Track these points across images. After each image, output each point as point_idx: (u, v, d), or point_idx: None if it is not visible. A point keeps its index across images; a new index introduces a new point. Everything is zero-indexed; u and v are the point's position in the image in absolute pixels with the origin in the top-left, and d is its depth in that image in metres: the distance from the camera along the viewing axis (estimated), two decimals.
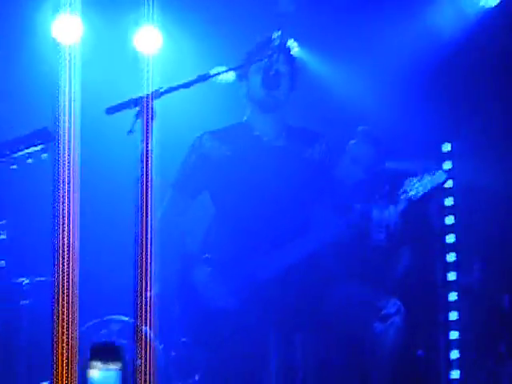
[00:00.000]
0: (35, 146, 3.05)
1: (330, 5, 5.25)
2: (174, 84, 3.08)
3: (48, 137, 3.03)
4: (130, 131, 2.88)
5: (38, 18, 5.18)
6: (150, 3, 4.77)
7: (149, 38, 5.34)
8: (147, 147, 2.76)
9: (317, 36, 5.40)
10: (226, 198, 3.70)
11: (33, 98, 5.09)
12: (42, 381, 4.62)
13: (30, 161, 3.06)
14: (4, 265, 4.89)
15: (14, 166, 3.07)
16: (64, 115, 4.82)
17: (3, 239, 4.87)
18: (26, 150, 3.04)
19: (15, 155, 3.04)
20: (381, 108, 5.17)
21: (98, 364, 1.47)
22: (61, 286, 4.54)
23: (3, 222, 4.90)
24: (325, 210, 3.83)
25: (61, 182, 4.69)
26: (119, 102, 3.45)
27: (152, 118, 2.85)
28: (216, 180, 3.70)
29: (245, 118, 3.76)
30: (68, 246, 4.57)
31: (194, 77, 3.24)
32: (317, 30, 5.39)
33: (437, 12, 5.25)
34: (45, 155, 3.09)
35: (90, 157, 4.98)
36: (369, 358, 3.59)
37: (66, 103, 4.79)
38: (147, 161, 2.76)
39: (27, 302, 4.90)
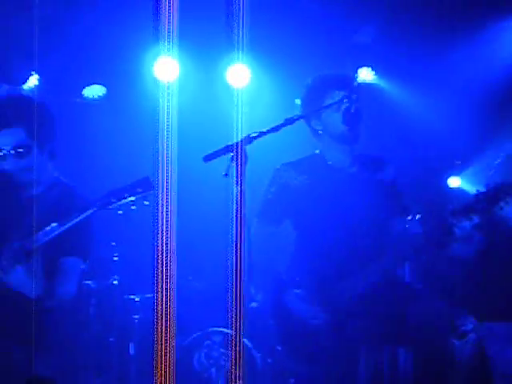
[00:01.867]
0: (137, 194, 3.21)
1: (404, 34, 5.44)
2: (264, 129, 3.26)
3: (149, 185, 3.19)
4: (226, 174, 3.04)
5: (143, 60, 5.58)
6: (240, 45, 5.22)
7: (239, 75, 5.83)
8: (241, 188, 2.96)
9: (392, 64, 5.69)
10: (307, 223, 3.84)
11: (139, 136, 5.27)
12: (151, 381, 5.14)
13: (133, 207, 3.24)
14: (117, 283, 5.34)
15: (120, 212, 3.26)
16: (162, 153, 5.20)
17: (116, 260, 5.38)
18: (130, 198, 3.21)
19: (120, 202, 3.23)
20: (451, 129, 5.36)
21: None
22: (160, 303, 5.07)
23: (114, 243, 5.38)
24: (402, 229, 3.80)
25: (160, 219, 5.04)
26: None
27: (245, 162, 3.02)
28: (296, 208, 3.84)
29: (317, 151, 3.95)
30: (167, 270, 5.03)
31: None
32: (392, 58, 5.61)
33: (502, 43, 5.41)
34: (146, 202, 3.24)
35: (187, 194, 5.46)
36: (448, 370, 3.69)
37: (165, 140, 5.20)
38: (241, 200, 2.95)
39: (138, 316, 5.34)
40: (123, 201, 3.19)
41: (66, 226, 3.12)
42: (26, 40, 5.20)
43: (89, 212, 3.11)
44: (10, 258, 3.13)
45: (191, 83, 5.75)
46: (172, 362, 4.75)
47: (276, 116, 3.38)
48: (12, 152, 3.26)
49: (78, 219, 3.11)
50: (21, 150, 3.28)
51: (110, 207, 3.16)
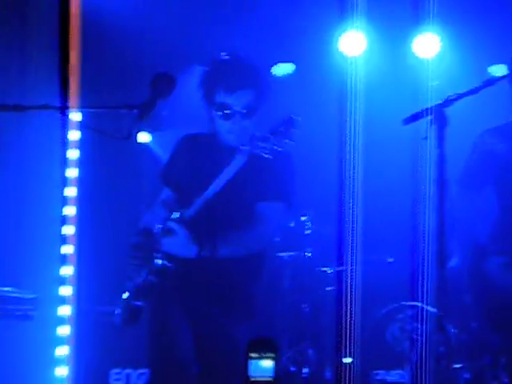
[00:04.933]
0: (279, 133, 3.15)
1: None
2: (462, 90, 3.16)
3: (292, 124, 3.16)
4: (425, 138, 2.98)
5: (331, 35, 5.60)
6: (430, 13, 5.12)
7: (427, 45, 5.71)
8: (442, 151, 2.93)
9: None
10: (511, 191, 3.72)
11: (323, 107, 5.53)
12: (345, 357, 5.06)
13: (277, 148, 3.11)
14: (311, 255, 5.44)
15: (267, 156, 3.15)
16: (350, 120, 5.17)
17: (308, 234, 5.46)
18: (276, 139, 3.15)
19: (263, 144, 3.18)
20: None
21: (255, 355, 1.77)
22: (349, 276, 5.03)
23: (306, 217, 5.44)
24: None
25: (347, 191, 5.02)
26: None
27: (444, 125, 2.96)
28: (499, 175, 3.75)
29: None
30: (352, 240, 5.01)
31: (474, 79, 3.33)
32: None
33: None
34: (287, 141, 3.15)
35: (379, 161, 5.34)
36: None
37: (352, 112, 5.18)
38: (442, 164, 2.91)
39: (331, 288, 5.38)
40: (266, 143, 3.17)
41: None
42: (214, 23, 5.38)
43: (240, 159, 3.19)
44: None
45: (378, 56, 5.68)
46: (358, 333, 4.90)
47: (466, 84, 3.24)
48: (243, 111, 3.34)
49: (233, 169, 3.19)
50: (245, 111, 3.37)
51: (257, 151, 3.16)
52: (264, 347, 1.84)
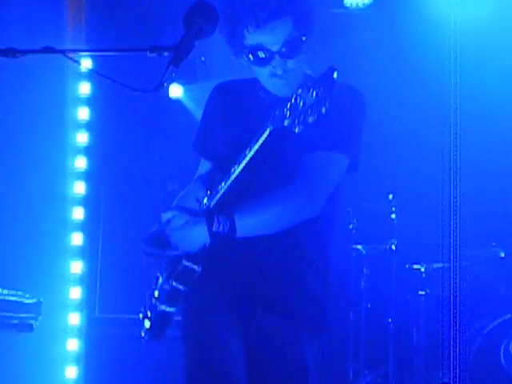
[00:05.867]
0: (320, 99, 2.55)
1: None
2: None
3: (332, 82, 2.55)
4: None
5: None
6: None
7: None
8: None
9: None
10: None
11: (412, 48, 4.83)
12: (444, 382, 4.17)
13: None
14: (395, 248, 4.65)
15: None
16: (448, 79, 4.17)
17: (394, 219, 4.67)
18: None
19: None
20: None
21: None
22: (450, 276, 4.10)
23: (390, 196, 4.69)
24: None
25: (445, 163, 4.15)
26: None
27: None
28: None
29: None
30: (455, 233, 4.14)
31: None
32: None
33: None
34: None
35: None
36: None
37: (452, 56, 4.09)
38: None
39: (424, 292, 4.58)
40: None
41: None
42: None
43: (267, 132, 2.55)
44: None
45: None
46: (461, 351, 4.08)
47: None
48: (282, 50, 2.67)
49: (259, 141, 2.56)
50: (285, 48, 2.70)
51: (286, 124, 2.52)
52: None
